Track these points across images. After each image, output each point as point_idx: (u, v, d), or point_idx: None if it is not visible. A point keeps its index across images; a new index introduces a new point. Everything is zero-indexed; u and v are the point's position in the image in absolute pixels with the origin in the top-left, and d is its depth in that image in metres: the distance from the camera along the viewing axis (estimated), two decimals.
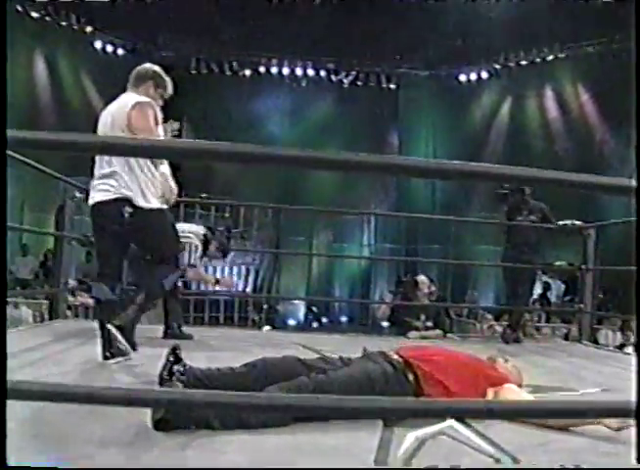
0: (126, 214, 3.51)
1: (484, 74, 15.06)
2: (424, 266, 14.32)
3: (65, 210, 5.61)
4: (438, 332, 6.10)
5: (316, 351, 4.01)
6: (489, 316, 8.58)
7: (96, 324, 3.66)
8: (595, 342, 8.26)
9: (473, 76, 15.17)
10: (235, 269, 13.56)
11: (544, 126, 14.76)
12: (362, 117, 15.41)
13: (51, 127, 13.69)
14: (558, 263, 7.21)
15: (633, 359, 5.20)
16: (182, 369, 2.60)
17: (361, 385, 2.60)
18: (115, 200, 3.52)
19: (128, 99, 3.67)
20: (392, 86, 15.58)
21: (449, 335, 6.54)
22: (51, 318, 5.78)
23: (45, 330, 5.01)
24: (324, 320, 14.82)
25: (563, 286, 12.37)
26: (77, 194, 5.54)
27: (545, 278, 12.01)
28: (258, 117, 15.46)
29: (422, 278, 6.65)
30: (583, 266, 6.07)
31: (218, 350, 4.42)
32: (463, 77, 15.26)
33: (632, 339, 7.74)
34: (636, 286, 4.85)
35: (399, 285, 8.86)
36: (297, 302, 15.11)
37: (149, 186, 3.58)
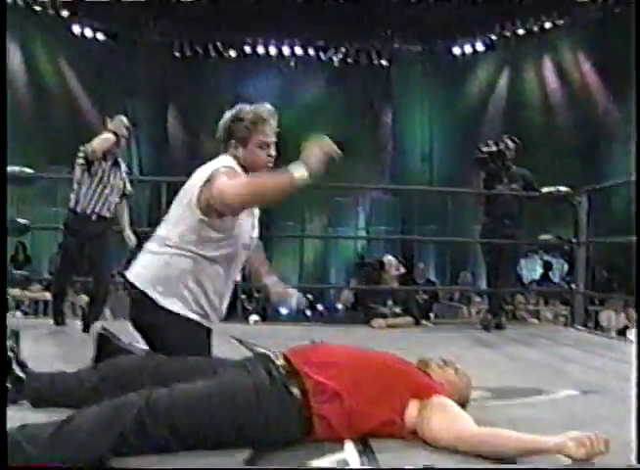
0: None
1: (480, 47, 14.36)
2: (421, 249, 13.81)
3: None
4: (409, 319, 5.49)
5: (250, 347, 3.46)
6: (478, 300, 7.99)
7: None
8: (596, 325, 7.71)
9: (468, 49, 14.46)
10: None
11: (544, 99, 14.06)
12: (354, 97, 14.77)
13: (29, 117, 13.19)
14: (544, 237, 6.45)
15: (630, 347, 4.65)
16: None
17: (221, 405, 1.94)
18: None
19: None
20: (384, 63, 14.89)
21: (424, 322, 5.89)
22: None
23: None
24: (319, 308, 14.22)
25: (566, 265, 11.73)
26: None
27: (547, 257, 11.38)
28: (247, 100, 14.58)
29: (389, 258, 6.01)
30: (574, 240, 5.46)
31: None
32: (457, 51, 14.55)
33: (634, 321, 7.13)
34: (636, 262, 4.30)
35: (361, 267, 8.12)
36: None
37: None
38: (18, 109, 13.03)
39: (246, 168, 2.72)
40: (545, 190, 5.52)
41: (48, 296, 8.43)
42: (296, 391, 2.02)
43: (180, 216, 2.63)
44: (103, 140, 4.59)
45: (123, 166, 4.85)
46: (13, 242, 11.22)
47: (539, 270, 11.32)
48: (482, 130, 13.80)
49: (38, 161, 11.00)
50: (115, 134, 4.63)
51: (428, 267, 13.20)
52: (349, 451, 1.95)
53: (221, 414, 1.94)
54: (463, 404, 2.32)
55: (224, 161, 2.70)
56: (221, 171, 2.57)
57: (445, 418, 2.06)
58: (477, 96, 14.73)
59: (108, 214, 4.68)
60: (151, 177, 13.07)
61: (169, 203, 4.65)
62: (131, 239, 4.93)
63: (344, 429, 2.02)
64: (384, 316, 5.42)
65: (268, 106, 2.90)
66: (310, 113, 14.91)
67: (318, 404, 2.00)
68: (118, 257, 5.99)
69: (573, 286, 5.49)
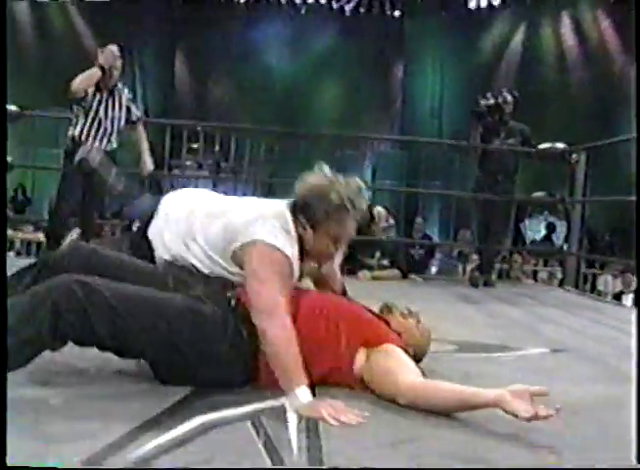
0: None
1: (496, 1, 13.98)
2: (425, 205, 13.66)
3: None
4: (395, 272, 5.39)
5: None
6: (475, 257, 7.88)
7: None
8: (592, 288, 7.61)
9: (484, 3, 14.09)
10: None
11: (560, 56, 13.71)
12: (365, 48, 14.46)
13: (34, 57, 13.03)
14: (537, 195, 6.25)
15: (618, 310, 4.57)
16: None
17: (193, 323, 1.92)
18: None
19: None
20: (397, 14, 14.55)
21: (412, 276, 5.73)
22: None
23: None
24: None
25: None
26: None
27: (551, 219, 11.22)
28: (256, 47, 14.62)
29: (379, 209, 5.85)
30: (568, 199, 5.32)
31: None
32: (473, 4, 14.18)
33: (633, 286, 7.01)
34: (636, 225, 4.18)
35: None
36: None
37: None
38: (23, 48, 12.91)
39: (305, 251, 2.19)
40: (542, 146, 5.34)
41: (41, 237, 8.40)
42: (245, 333, 1.96)
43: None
44: (85, 78, 4.48)
45: (125, 95, 4.70)
46: (12, 184, 11.21)
47: (543, 231, 11.17)
48: (494, 86, 13.43)
49: (43, 102, 10.93)
50: (102, 68, 4.50)
51: (431, 223, 13.09)
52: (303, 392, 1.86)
53: (186, 333, 1.90)
54: (418, 357, 2.25)
55: (280, 229, 2.10)
56: (266, 260, 2.02)
57: (389, 368, 1.98)
58: (490, 52, 14.38)
59: (108, 148, 4.53)
60: (155, 119, 12.93)
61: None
62: (146, 165, 4.76)
63: None
64: (370, 268, 5.33)
65: (364, 189, 2.21)
66: (320, 62, 14.70)
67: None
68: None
69: (565, 247, 5.36)
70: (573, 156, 5.28)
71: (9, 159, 5.28)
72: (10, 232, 7.60)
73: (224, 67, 14.61)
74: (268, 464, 1.47)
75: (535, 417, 1.65)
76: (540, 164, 6.42)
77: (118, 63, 4.59)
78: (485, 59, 14.32)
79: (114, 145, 4.64)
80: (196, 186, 12.60)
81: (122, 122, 4.65)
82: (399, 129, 14.68)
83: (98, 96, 4.54)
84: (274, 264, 2.02)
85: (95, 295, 1.82)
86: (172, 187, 12.54)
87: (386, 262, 5.40)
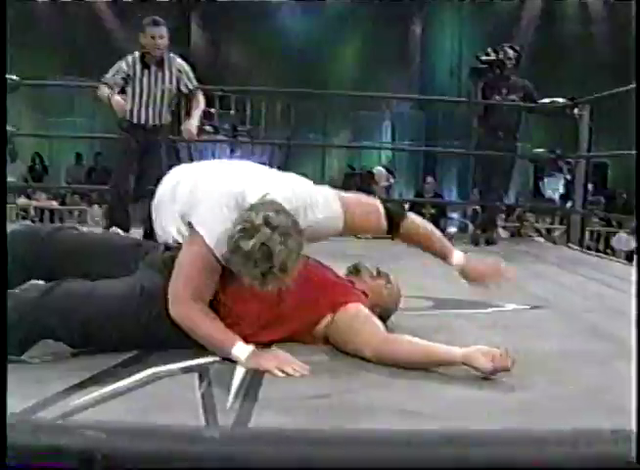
0: None
1: None
2: (443, 165, 13.55)
3: None
4: None
5: None
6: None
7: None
8: (606, 247, 7.52)
9: None
10: None
11: (582, 8, 13.37)
12: (383, 6, 14.16)
13: (49, 26, 12.96)
14: (537, 151, 6.09)
15: (620, 268, 4.50)
16: None
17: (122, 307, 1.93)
18: None
19: None
20: None
21: None
22: None
23: None
24: None
25: (590, 185, 11.37)
26: None
27: (570, 177, 11.04)
28: (272, 8, 14.45)
29: (379, 169, 5.88)
30: (571, 155, 5.23)
31: None
32: None
33: None
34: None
35: (349, 178, 7.77)
36: None
37: None
38: (36, 17, 12.88)
39: None
40: (543, 101, 5.25)
41: (55, 204, 8.54)
42: None
43: None
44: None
45: (176, 66, 4.44)
46: (30, 153, 11.32)
47: (561, 190, 11.01)
48: (514, 41, 13.18)
49: (56, 71, 10.98)
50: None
51: (448, 183, 13.04)
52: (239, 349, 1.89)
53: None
54: (384, 316, 2.27)
55: (229, 213, 1.97)
56: (197, 261, 1.97)
57: (353, 327, 2.01)
58: (510, 8, 14.04)
59: (158, 122, 4.41)
60: None
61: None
62: (189, 130, 4.43)
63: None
64: None
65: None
66: (338, 20, 14.48)
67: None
68: None
69: (568, 203, 5.31)
70: (576, 110, 5.17)
71: (11, 129, 5.30)
72: (25, 200, 7.72)
73: (240, 28, 14.46)
74: (201, 419, 1.49)
75: (494, 371, 1.78)
76: (553, 122, 6.28)
77: (160, 42, 4.30)
78: (505, 15, 13.98)
79: (168, 118, 4.47)
80: (213, 151, 12.63)
81: (172, 94, 4.44)
82: (418, 89, 14.45)
83: (145, 72, 4.37)
84: (202, 264, 1.96)
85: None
86: (190, 153, 12.61)
87: None
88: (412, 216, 2.30)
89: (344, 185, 7.68)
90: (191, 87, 4.47)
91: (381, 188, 5.53)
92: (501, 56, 5.26)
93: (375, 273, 2.38)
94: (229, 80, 12.84)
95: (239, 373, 1.79)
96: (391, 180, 5.79)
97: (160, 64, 4.39)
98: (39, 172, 10.95)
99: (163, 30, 4.31)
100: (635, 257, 6.01)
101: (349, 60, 14.85)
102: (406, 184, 14.30)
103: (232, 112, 12.32)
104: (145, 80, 4.38)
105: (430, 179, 8.43)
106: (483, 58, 5.26)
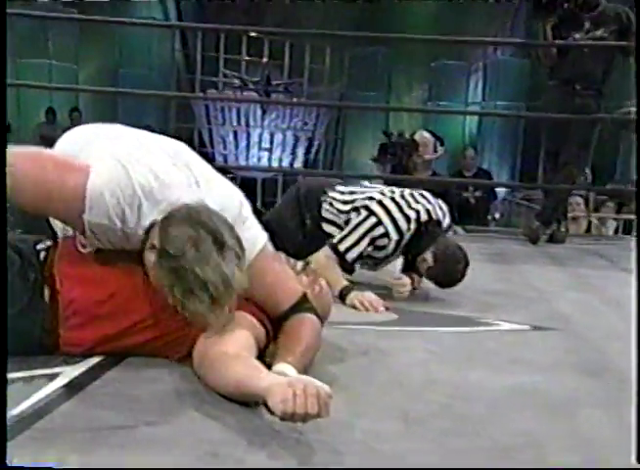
0: None
1: None
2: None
3: None
4: None
5: None
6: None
7: None
8: None
9: None
10: (277, 138, 10.40)
11: None
12: None
13: None
14: (624, 110, 4.67)
15: None
16: None
17: None
18: None
19: None
20: None
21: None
22: None
23: None
24: None
25: None
26: None
27: None
28: None
29: (424, 134, 4.91)
30: None
31: None
32: None
33: None
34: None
35: (385, 148, 5.84)
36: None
37: None
38: None
39: None
40: None
41: None
42: (47, 293, 1.70)
43: None
44: None
45: None
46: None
47: None
48: None
49: None
50: None
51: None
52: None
53: None
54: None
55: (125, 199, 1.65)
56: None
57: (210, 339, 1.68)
58: None
59: None
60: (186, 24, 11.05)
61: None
62: None
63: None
64: None
65: None
66: None
67: (74, 318, 1.69)
68: None
69: None
70: None
71: None
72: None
73: None
74: None
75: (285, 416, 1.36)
76: None
77: None
78: None
79: None
80: (239, 111, 10.29)
81: None
82: (517, 31, 11.27)
83: None
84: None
85: None
86: (207, 114, 10.34)
87: None
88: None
89: (379, 159, 6.08)
90: None
91: (424, 162, 4.64)
92: None
93: (299, 268, 2.13)
94: (265, 18, 10.36)
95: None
96: (440, 151, 4.80)
97: None
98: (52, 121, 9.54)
99: None
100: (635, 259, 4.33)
101: None
102: (499, 157, 11.46)
103: (265, 59, 9.86)
104: None
105: (470, 152, 6.74)
106: None
